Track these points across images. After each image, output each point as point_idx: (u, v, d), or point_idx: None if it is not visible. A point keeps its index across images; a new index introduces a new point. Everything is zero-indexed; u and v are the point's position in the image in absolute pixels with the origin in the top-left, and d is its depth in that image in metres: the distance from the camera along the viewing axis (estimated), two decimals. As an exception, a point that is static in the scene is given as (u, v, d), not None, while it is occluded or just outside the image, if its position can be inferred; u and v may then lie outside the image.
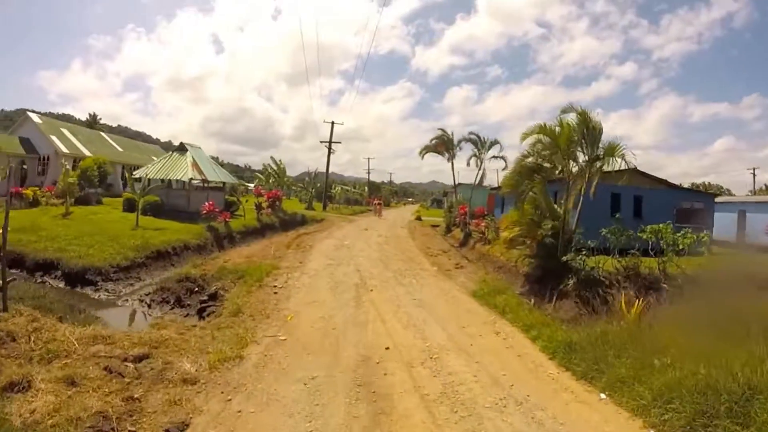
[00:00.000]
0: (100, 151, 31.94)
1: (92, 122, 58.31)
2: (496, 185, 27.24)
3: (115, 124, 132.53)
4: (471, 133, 21.69)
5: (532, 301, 9.66)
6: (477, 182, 22.46)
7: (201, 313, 8.26)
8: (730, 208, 22.07)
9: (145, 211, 20.94)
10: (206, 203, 18.38)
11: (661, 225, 10.21)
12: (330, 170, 45.28)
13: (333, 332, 6.87)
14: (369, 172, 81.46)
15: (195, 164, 22.81)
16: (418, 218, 35.68)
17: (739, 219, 21.66)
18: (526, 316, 8.03)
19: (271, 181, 33.55)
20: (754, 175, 48.55)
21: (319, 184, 45.11)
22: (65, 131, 32.54)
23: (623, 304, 7.66)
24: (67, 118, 53.15)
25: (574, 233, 10.96)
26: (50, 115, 56.11)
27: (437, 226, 31.92)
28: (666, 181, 18.32)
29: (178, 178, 22.21)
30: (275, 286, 9.39)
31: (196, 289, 9.12)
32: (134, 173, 26.28)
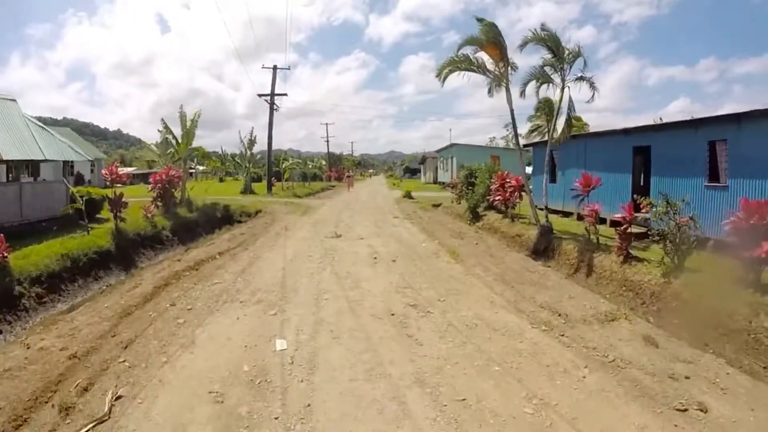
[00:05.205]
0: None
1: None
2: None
3: (60, 117, 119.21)
4: (543, 28, 10.05)
5: None
6: (552, 127, 10.97)
7: None
8: None
9: None
10: None
11: None
12: (287, 147, 32.82)
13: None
14: (328, 141, 68.47)
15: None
16: (408, 195, 24.42)
17: None
18: None
19: (169, 152, 18.46)
20: None
21: (259, 156, 32.39)
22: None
23: None
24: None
25: None
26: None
27: (438, 205, 21.26)
28: None
29: None
30: None
31: None
32: None
